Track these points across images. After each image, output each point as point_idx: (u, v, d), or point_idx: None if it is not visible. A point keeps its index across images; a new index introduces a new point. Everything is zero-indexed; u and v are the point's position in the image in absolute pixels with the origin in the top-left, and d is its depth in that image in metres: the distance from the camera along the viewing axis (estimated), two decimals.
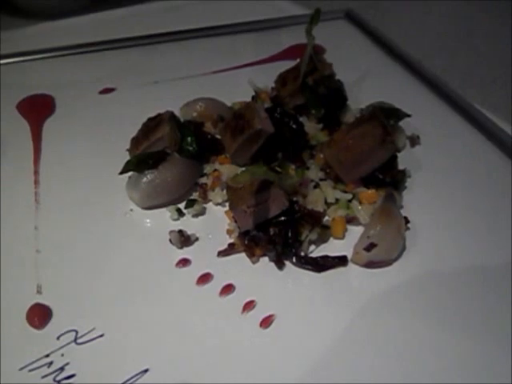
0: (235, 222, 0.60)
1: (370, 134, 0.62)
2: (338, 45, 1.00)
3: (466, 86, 0.91)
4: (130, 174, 0.65)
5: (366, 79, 0.90)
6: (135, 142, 0.70)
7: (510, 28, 1.07)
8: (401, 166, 0.68)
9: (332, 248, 0.61)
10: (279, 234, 0.58)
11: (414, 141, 0.76)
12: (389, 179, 0.64)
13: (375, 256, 0.57)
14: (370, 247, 0.56)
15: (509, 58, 0.99)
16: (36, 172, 0.71)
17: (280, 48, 1.00)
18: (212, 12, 1.13)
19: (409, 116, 0.72)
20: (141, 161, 0.63)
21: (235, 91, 0.83)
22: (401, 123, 0.75)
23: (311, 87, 0.75)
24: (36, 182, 0.70)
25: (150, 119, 0.70)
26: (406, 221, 0.62)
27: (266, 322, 0.53)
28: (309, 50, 0.73)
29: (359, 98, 0.81)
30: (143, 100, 0.85)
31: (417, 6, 1.21)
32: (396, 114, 0.72)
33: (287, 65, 0.81)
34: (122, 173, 0.63)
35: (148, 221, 0.65)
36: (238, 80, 0.90)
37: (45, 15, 1.08)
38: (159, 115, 0.69)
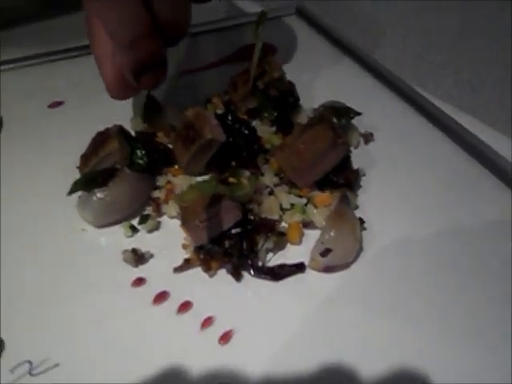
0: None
1: (321, 138, 0.62)
2: (290, 43, 1.00)
3: (418, 75, 0.91)
4: (80, 193, 0.63)
5: (318, 77, 0.89)
6: (84, 158, 0.67)
7: (458, 10, 1.08)
8: (355, 165, 0.68)
9: (291, 254, 0.60)
10: (235, 245, 0.57)
11: (368, 138, 0.76)
12: (342, 181, 0.64)
13: (331, 261, 0.56)
14: (326, 253, 0.56)
15: (458, 42, 0.99)
16: None
17: (233, 48, 0.98)
18: None
19: (359, 114, 0.72)
20: (89, 180, 0.61)
21: (188, 97, 0.82)
22: (354, 120, 0.74)
23: (262, 90, 0.74)
24: None
25: (98, 134, 0.68)
26: (361, 221, 0.62)
27: (225, 337, 0.52)
28: (257, 53, 0.72)
29: (313, 97, 0.80)
30: (94, 112, 0.82)
31: None
32: (347, 113, 0.72)
33: (243, 66, 0.79)
34: (70, 193, 0.61)
35: (102, 240, 0.63)
36: (190, 85, 0.89)
37: None
38: (107, 130, 0.67)
